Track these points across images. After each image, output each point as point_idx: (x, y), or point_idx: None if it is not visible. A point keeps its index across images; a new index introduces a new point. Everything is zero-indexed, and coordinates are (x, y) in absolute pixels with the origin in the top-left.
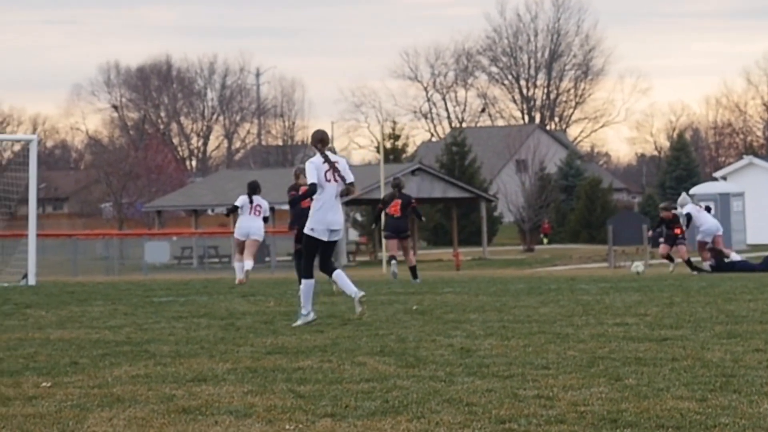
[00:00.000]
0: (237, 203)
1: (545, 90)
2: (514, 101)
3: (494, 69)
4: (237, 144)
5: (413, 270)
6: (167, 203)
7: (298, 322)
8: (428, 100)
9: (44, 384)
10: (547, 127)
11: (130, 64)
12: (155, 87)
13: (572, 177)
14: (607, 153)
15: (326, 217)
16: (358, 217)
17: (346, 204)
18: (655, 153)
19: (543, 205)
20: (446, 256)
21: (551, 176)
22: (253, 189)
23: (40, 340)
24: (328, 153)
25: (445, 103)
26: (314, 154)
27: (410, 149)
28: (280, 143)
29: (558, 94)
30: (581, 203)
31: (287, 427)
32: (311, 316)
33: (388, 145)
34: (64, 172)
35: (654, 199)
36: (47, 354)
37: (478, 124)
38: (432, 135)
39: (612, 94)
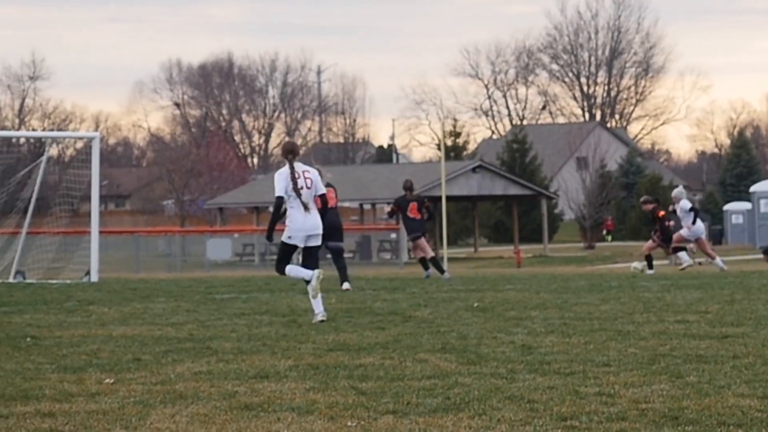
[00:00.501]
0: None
1: (606, 87)
2: (575, 99)
3: (555, 66)
4: (298, 141)
5: (435, 262)
6: (229, 200)
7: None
8: (489, 97)
9: (107, 380)
10: (608, 125)
11: (192, 61)
12: (217, 84)
13: (633, 174)
14: (668, 150)
15: (304, 225)
16: None
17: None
18: (716, 150)
19: (603, 202)
20: (507, 253)
21: (612, 174)
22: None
23: (102, 337)
24: (300, 164)
25: (506, 101)
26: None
27: (471, 147)
28: (341, 141)
29: (618, 92)
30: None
31: (349, 424)
32: (314, 279)
33: (449, 142)
34: (126, 169)
35: (714, 197)
36: (110, 350)
37: (539, 122)
38: (493, 132)
39: (672, 91)
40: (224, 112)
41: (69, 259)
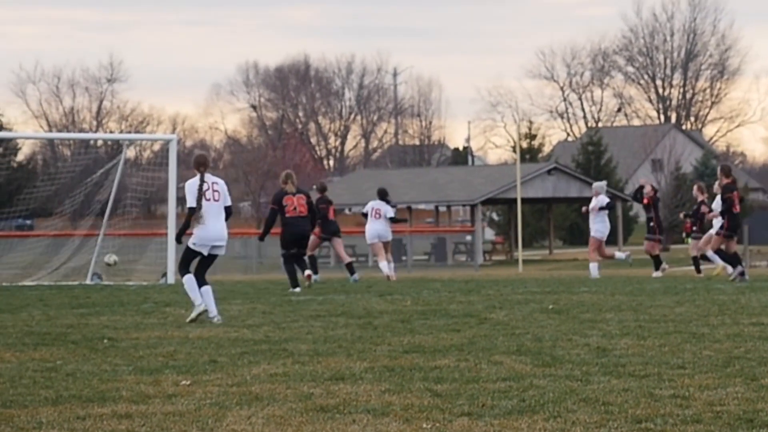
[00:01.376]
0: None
1: (681, 90)
2: (650, 101)
3: (630, 69)
4: (374, 143)
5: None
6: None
7: (192, 315)
8: (564, 99)
9: (183, 382)
10: (683, 127)
11: (269, 63)
12: (293, 87)
13: (708, 177)
14: (743, 153)
15: (208, 234)
16: (495, 217)
17: (482, 203)
18: None
19: (679, 204)
20: (582, 256)
21: (687, 176)
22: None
23: (179, 339)
24: (210, 176)
25: (581, 103)
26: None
27: (546, 149)
28: (417, 143)
29: (694, 94)
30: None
31: (424, 425)
32: (202, 306)
33: (525, 144)
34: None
35: None
36: (186, 352)
37: (614, 124)
38: (568, 134)
39: (748, 93)
40: (300, 114)
41: (146, 262)
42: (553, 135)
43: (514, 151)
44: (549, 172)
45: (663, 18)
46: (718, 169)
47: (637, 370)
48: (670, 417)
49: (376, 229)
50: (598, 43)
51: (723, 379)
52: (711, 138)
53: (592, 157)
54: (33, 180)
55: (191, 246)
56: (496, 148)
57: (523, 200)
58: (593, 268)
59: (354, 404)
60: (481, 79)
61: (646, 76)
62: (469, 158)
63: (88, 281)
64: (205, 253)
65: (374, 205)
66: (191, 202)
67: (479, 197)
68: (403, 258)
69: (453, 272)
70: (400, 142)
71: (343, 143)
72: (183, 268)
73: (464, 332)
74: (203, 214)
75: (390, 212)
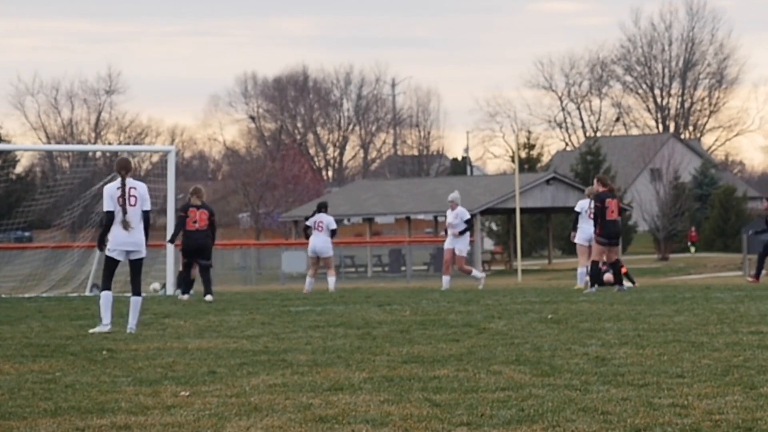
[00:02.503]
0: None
1: (679, 99)
2: (649, 110)
3: (628, 78)
4: (373, 154)
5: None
6: (304, 213)
7: (95, 329)
8: (563, 109)
9: (182, 393)
10: (682, 136)
11: (267, 74)
12: (292, 97)
13: (707, 186)
14: (742, 161)
15: (124, 240)
16: (494, 227)
17: (481, 213)
18: None
19: (677, 213)
20: None
21: (685, 185)
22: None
23: (178, 350)
24: (131, 180)
25: (580, 113)
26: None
27: (545, 159)
28: (416, 153)
29: (692, 103)
30: (715, 212)
31: None
32: (107, 327)
33: (523, 154)
34: (201, 182)
35: None
36: (185, 363)
37: (613, 133)
38: (566, 144)
39: (746, 102)
40: (299, 125)
41: (145, 273)
42: (551, 145)
43: (513, 161)
44: (548, 181)
45: (661, 27)
46: (595, 179)
47: (635, 379)
48: (669, 426)
49: (314, 243)
50: (597, 52)
51: (722, 387)
52: (710, 147)
53: (590, 167)
54: (32, 192)
55: (107, 253)
56: (495, 158)
57: (522, 210)
58: (445, 281)
59: (353, 415)
60: (479, 89)
61: (644, 86)
62: (468, 168)
63: (87, 293)
64: (122, 259)
65: (317, 218)
66: (108, 206)
67: (478, 207)
68: (402, 268)
69: (452, 282)
70: (399, 153)
71: (341, 154)
72: (105, 280)
73: (463, 342)
74: (126, 219)
75: (332, 224)
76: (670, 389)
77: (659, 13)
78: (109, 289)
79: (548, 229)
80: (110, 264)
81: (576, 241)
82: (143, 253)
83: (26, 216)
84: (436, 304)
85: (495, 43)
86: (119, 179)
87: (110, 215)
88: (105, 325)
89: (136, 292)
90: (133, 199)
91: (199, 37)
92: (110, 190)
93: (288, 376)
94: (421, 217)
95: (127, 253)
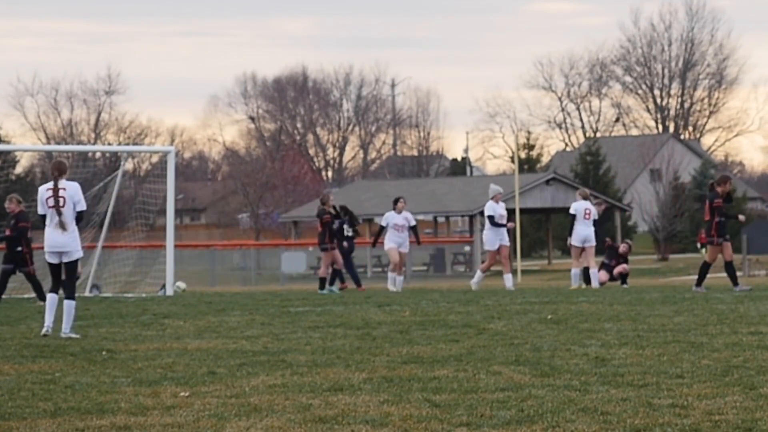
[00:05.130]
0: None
1: (679, 99)
2: (648, 111)
3: (628, 78)
4: (372, 154)
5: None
6: (303, 213)
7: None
8: (562, 109)
9: (182, 394)
10: (681, 137)
11: (267, 75)
12: (291, 98)
13: (706, 186)
14: (741, 162)
15: (55, 242)
16: None
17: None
18: None
19: (677, 214)
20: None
21: (685, 185)
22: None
23: (178, 350)
24: (64, 181)
25: (579, 113)
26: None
27: (544, 159)
28: (415, 153)
29: (692, 104)
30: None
31: None
32: (46, 330)
33: (523, 155)
34: (201, 183)
35: None
36: (185, 364)
37: (612, 134)
38: (566, 145)
39: (746, 103)
40: (299, 125)
41: (146, 273)
42: (551, 145)
43: (513, 161)
44: (547, 182)
45: (661, 28)
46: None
47: (635, 380)
48: (668, 426)
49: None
50: (596, 53)
51: (721, 388)
52: (709, 147)
53: (590, 167)
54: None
55: (45, 257)
56: (495, 158)
57: (522, 210)
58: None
59: (353, 415)
60: (479, 90)
61: (644, 86)
62: (468, 169)
63: (86, 293)
64: (55, 261)
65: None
66: (41, 210)
67: (478, 208)
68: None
69: (452, 283)
70: (399, 153)
71: (341, 154)
72: (52, 283)
73: (463, 343)
74: (62, 221)
75: (412, 221)
76: (669, 390)
77: (659, 13)
78: (55, 291)
79: (548, 230)
80: (51, 268)
81: (572, 242)
82: (75, 255)
83: (26, 217)
84: (435, 305)
85: (495, 43)
86: (52, 182)
87: (43, 218)
88: (46, 327)
89: (69, 295)
90: (62, 200)
91: (198, 37)
92: (41, 192)
93: (287, 377)
94: (420, 217)
95: (60, 255)
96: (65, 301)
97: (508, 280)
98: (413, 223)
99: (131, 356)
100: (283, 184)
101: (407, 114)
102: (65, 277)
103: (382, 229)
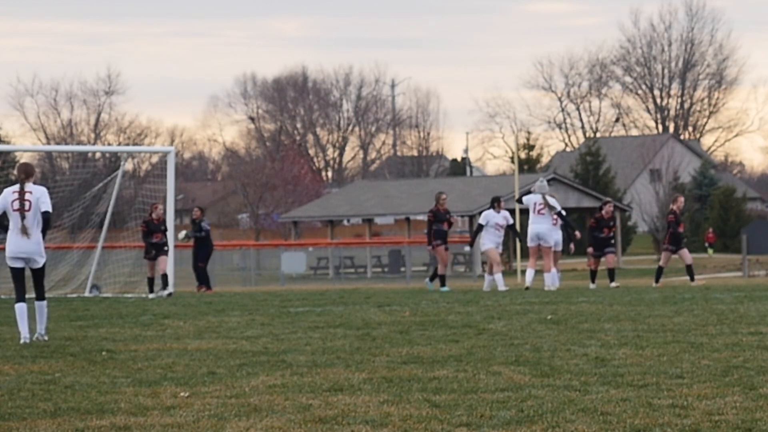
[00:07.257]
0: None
1: (679, 99)
2: (648, 111)
3: (628, 79)
4: (372, 155)
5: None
6: (303, 214)
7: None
8: (562, 110)
9: (182, 394)
10: (681, 137)
11: (267, 75)
12: (291, 98)
13: (706, 186)
14: (741, 162)
15: (18, 248)
16: None
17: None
18: None
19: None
20: (581, 266)
21: (685, 186)
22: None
23: (177, 351)
24: (30, 185)
25: (579, 113)
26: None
27: (544, 159)
28: (415, 154)
29: (692, 104)
30: (715, 213)
31: None
32: (23, 340)
33: (523, 155)
34: (201, 183)
35: None
36: (185, 364)
37: (612, 134)
38: (566, 145)
39: (746, 103)
40: (298, 125)
41: (145, 273)
42: (551, 145)
43: (513, 161)
44: (547, 182)
45: (661, 28)
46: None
47: (635, 380)
48: (668, 426)
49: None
50: (596, 53)
51: (721, 388)
52: (709, 148)
53: (590, 168)
54: None
55: (7, 261)
56: (495, 158)
57: (522, 211)
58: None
59: (353, 415)
60: (479, 90)
61: (644, 86)
62: (468, 169)
63: (86, 293)
64: (19, 266)
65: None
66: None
67: (477, 208)
68: (402, 269)
69: (451, 283)
70: (399, 154)
71: (341, 154)
72: (16, 292)
73: (463, 343)
74: (25, 225)
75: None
76: (669, 390)
77: (659, 13)
78: (22, 300)
79: None
80: (13, 273)
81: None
82: (41, 262)
83: None
84: (435, 305)
85: (494, 43)
86: (18, 185)
87: (1, 219)
88: (24, 338)
89: (40, 297)
90: (27, 204)
91: (198, 37)
92: (5, 195)
93: (287, 377)
94: (420, 217)
95: (25, 260)
96: (37, 303)
97: (548, 278)
98: (511, 221)
99: (131, 356)
100: (283, 185)
101: (407, 114)
102: (34, 282)
103: (480, 228)
